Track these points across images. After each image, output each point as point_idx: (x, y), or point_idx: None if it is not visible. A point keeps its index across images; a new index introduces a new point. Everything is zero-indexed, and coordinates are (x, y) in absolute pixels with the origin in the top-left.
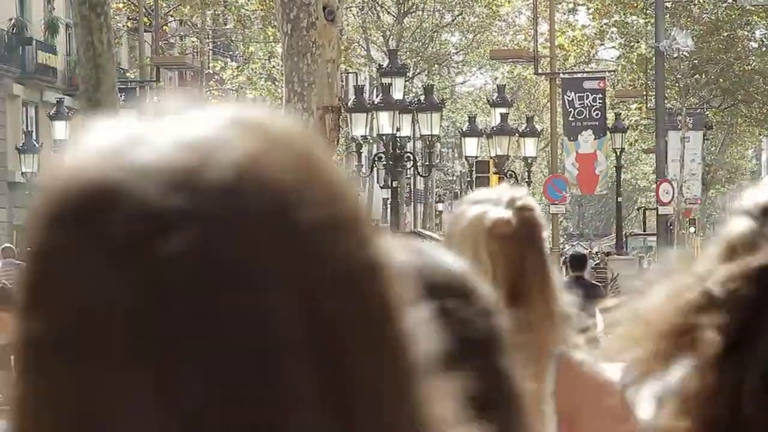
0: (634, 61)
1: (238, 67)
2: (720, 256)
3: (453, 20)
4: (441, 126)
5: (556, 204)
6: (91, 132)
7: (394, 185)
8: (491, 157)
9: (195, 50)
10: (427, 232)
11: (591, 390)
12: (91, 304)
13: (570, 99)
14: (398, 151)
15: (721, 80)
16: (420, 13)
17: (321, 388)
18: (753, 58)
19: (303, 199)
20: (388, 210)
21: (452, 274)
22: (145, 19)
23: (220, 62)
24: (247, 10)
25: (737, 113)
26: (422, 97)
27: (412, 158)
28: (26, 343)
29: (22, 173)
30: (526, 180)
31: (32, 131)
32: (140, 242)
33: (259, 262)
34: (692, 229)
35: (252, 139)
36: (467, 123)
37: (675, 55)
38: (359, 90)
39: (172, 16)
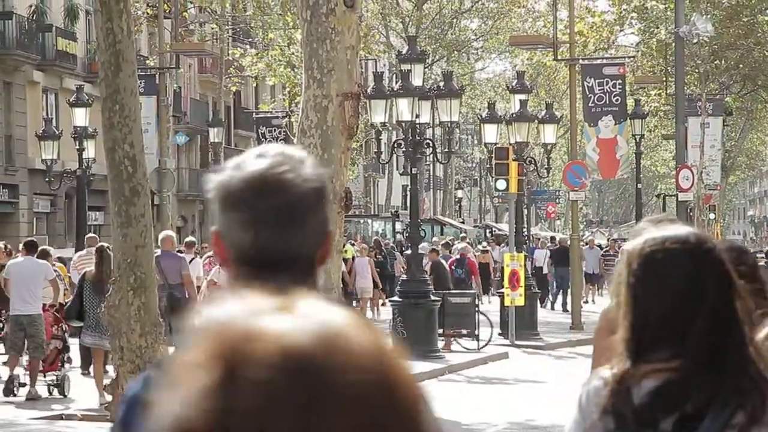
0: (654, 46)
1: (257, 54)
2: None
3: (472, 6)
4: (460, 112)
5: (576, 190)
6: None
7: (413, 172)
8: (510, 144)
9: (214, 37)
10: (447, 219)
11: None
12: None
13: (590, 85)
14: (417, 138)
15: (741, 66)
16: None
17: None
18: None
19: None
20: (408, 197)
21: None
22: (165, 6)
23: (239, 49)
24: None
25: (757, 99)
26: (441, 84)
27: (431, 145)
28: None
29: (42, 160)
30: (546, 167)
31: (52, 118)
32: None
33: None
34: (712, 216)
35: None
36: (486, 109)
37: (695, 41)
38: (378, 76)
39: (191, 2)
